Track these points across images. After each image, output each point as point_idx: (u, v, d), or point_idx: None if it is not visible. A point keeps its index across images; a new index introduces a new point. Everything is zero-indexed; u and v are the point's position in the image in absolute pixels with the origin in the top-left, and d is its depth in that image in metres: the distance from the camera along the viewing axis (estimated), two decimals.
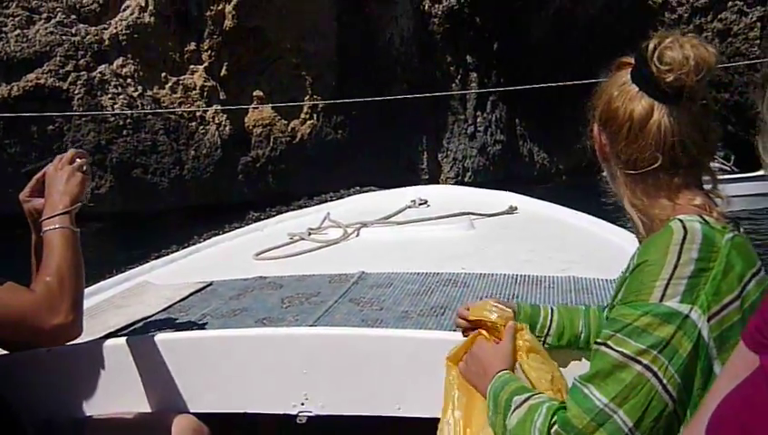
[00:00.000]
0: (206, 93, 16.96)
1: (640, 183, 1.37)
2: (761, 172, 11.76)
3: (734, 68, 20.50)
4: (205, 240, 3.95)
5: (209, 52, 16.97)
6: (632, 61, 1.37)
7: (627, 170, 1.38)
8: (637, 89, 1.35)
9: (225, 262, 3.29)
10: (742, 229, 1.34)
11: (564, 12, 22.03)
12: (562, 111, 18.41)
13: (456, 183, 18.78)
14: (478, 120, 19.77)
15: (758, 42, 22.10)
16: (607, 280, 2.41)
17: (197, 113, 16.84)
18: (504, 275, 2.59)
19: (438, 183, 18.67)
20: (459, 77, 19.60)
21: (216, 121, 17.03)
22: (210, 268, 3.10)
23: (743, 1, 22.64)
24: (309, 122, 17.80)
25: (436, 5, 19.45)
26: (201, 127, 16.95)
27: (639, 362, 1.23)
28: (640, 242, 1.39)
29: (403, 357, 1.82)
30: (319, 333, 1.97)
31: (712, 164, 1.42)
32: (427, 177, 18.93)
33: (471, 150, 19.56)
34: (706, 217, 1.30)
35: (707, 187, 1.39)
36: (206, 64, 16.96)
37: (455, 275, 2.62)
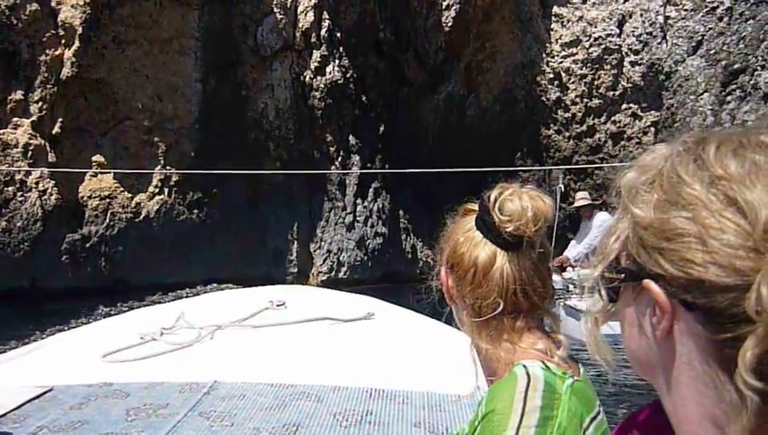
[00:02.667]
0: (30, 153, 13.91)
1: (485, 327, 1.44)
2: None
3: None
4: (47, 336, 4.21)
5: (40, 104, 14.01)
6: (476, 208, 1.47)
7: (472, 314, 1.45)
8: (481, 236, 1.44)
9: (69, 363, 3.14)
10: (582, 370, 1.43)
11: (457, 98, 20.86)
12: (450, 205, 16.69)
13: (328, 279, 16.68)
14: (358, 208, 17.66)
15: (651, 147, 21.54)
16: (459, 396, 2.47)
17: (17, 176, 13.71)
18: (359, 388, 2.65)
19: (308, 277, 16.62)
20: (340, 159, 17.50)
21: (41, 188, 13.93)
22: (52, 370, 2.97)
23: (637, 104, 22.20)
24: (158, 198, 15.01)
25: (318, 77, 17.41)
26: (20, 193, 13.79)
27: None
28: (489, 383, 1.45)
29: None
30: None
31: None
32: (295, 270, 16.57)
33: (348, 242, 17.37)
34: (548, 363, 1.37)
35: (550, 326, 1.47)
36: (33, 118, 13.96)
37: (308, 387, 2.67)
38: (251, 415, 2.26)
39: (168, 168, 14.97)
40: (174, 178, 15.03)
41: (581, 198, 10.81)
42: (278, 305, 4.12)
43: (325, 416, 2.28)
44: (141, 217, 14.84)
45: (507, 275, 1.40)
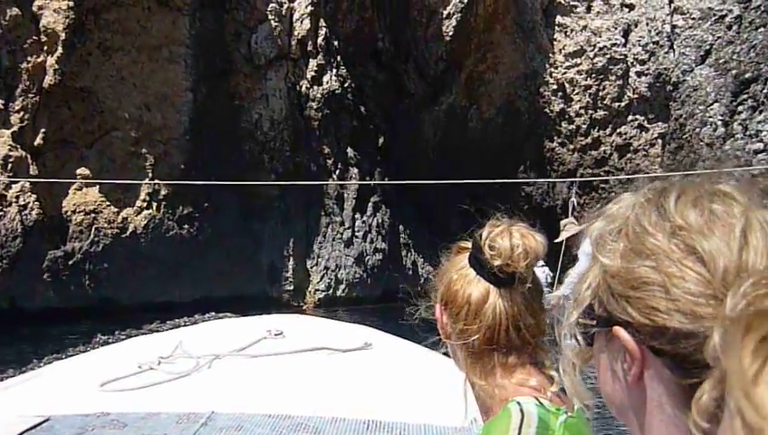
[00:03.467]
0: (11, 165, 13.19)
1: (479, 363, 1.46)
2: None
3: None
4: (45, 364, 4.36)
5: (21, 113, 13.32)
6: (470, 246, 1.48)
7: (466, 350, 1.47)
8: (474, 273, 1.46)
9: (68, 392, 3.16)
10: (576, 405, 1.41)
11: (458, 109, 20.42)
12: (452, 219, 16.08)
13: (326, 296, 15.99)
14: (357, 223, 17.02)
15: (659, 159, 21.07)
16: (456, 428, 2.46)
17: None
18: (356, 420, 2.67)
19: (305, 295, 15.93)
20: (337, 172, 16.84)
21: (21, 202, 13.18)
22: (50, 399, 2.99)
23: (643, 116, 21.65)
24: (146, 212, 14.28)
25: (315, 87, 16.79)
26: None
27: None
28: (483, 419, 1.49)
29: None
30: None
31: None
32: (291, 287, 15.85)
33: (346, 259, 16.67)
34: (541, 399, 1.40)
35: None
36: (14, 129, 13.25)
37: (306, 418, 2.69)
38: None
39: (156, 181, 14.24)
40: (163, 192, 14.31)
41: (569, 228, 9.33)
42: (276, 335, 4.15)
43: None
44: (128, 232, 14.12)
45: (500, 311, 1.45)
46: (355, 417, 2.64)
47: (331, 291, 16.18)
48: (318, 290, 16.11)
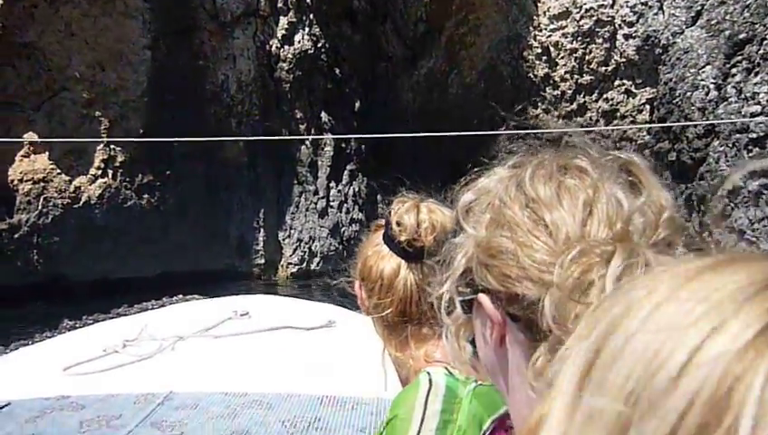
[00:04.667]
0: None
1: (394, 335, 1.56)
2: None
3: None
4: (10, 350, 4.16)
5: None
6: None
7: (382, 323, 1.58)
8: (387, 249, 1.55)
9: (31, 376, 3.16)
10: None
11: (438, 74, 19.74)
12: (431, 189, 15.33)
13: (299, 271, 15.13)
14: (332, 192, 16.19)
15: (647, 125, 20.61)
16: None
17: None
18: (310, 395, 2.76)
19: (278, 269, 15.04)
20: (310, 138, 15.84)
21: None
22: (12, 384, 2.99)
23: (631, 81, 21.08)
24: (101, 181, 13.19)
25: (286, 47, 15.71)
26: None
27: None
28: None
29: None
30: None
31: None
32: (262, 261, 14.93)
33: (321, 230, 15.81)
34: (451, 369, 1.45)
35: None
36: None
37: (261, 395, 2.75)
38: (202, 424, 2.38)
39: (112, 147, 13.14)
40: (120, 159, 13.23)
41: None
42: (242, 315, 4.18)
43: (274, 423, 2.41)
44: (81, 203, 13.04)
45: (411, 285, 1.51)
46: (309, 393, 2.69)
47: (304, 264, 15.30)
48: (291, 264, 15.21)
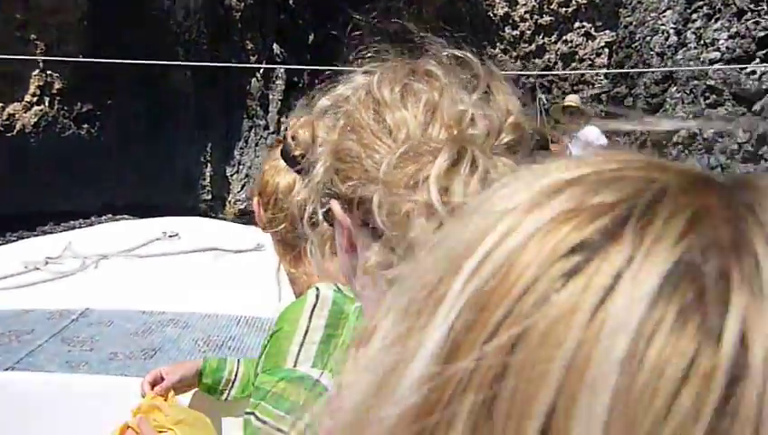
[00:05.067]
0: None
1: (288, 251, 1.59)
2: None
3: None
4: None
5: None
6: None
7: (277, 239, 1.62)
8: (284, 164, 1.53)
9: None
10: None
11: (395, 11, 19.18)
12: None
13: (247, 207, 14.71)
14: (282, 127, 15.73)
15: (604, 69, 20.44)
16: None
17: None
18: (229, 315, 2.76)
19: (225, 205, 14.69)
20: (261, 70, 15.35)
21: None
22: None
23: (591, 23, 20.79)
24: (36, 108, 12.48)
25: None
26: None
27: (280, 430, 1.34)
28: None
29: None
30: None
31: None
32: (209, 197, 14.50)
33: None
34: (341, 285, 1.48)
35: None
36: None
37: (179, 314, 2.76)
38: (114, 340, 2.37)
39: (49, 73, 12.42)
40: (57, 86, 12.53)
41: (571, 100, 8.25)
42: (171, 236, 4.13)
43: (187, 341, 2.42)
44: (15, 131, 12.33)
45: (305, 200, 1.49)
46: (228, 313, 2.74)
47: None
48: (239, 200, 14.84)
